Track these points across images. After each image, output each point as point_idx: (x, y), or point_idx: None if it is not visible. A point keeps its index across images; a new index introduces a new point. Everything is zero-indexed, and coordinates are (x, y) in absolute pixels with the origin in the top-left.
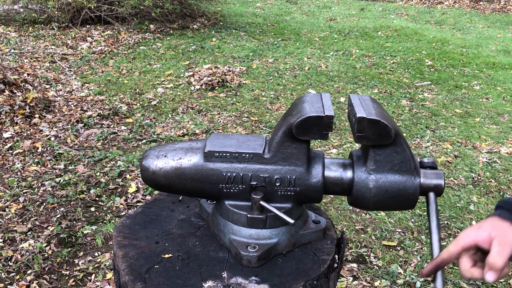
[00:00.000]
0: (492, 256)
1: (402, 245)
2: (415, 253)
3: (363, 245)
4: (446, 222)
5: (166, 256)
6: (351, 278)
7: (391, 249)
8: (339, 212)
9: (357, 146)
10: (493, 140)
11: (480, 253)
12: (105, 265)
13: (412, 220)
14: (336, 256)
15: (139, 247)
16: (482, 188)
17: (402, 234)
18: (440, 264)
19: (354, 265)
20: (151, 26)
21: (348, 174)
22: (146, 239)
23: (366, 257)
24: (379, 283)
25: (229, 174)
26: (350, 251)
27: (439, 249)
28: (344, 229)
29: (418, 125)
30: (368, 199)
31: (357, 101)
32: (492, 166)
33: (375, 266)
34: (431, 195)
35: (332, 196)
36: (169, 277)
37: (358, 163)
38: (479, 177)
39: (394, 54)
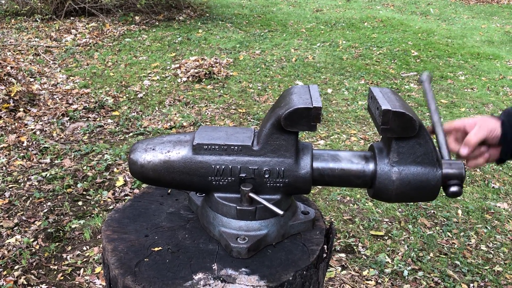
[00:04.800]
0: (469, 134)
1: (390, 235)
2: (403, 242)
3: (351, 235)
4: (432, 211)
5: (156, 249)
6: (340, 268)
7: (378, 239)
8: (327, 202)
9: (344, 137)
10: None
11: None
12: (93, 259)
13: (399, 209)
14: (325, 246)
15: (128, 241)
16: (467, 177)
17: (390, 223)
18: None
19: (343, 255)
20: (137, 17)
21: (371, 166)
22: (136, 232)
23: (354, 247)
24: (367, 272)
25: (218, 167)
26: (338, 241)
27: (440, 125)
28: (332, 219)
29: None
30: (391, 191)
31: (379, 93)
32: None
33: (363, 256)
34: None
35: (320, 187)
36: (159, 270)
37: (380, 155)
38: (465, 167)
39: (380, 45)
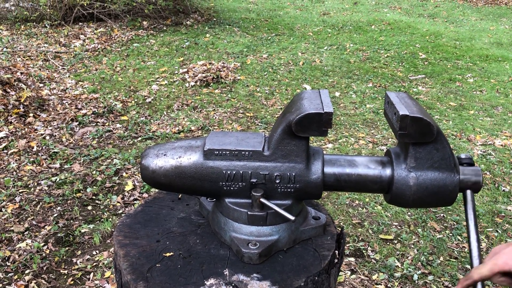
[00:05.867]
0: None
1: (399, 239)
2: (412, 246)
3: (360, 239)
4: (442, 215)
5: (168, 254)
6: (349, 272)
7: (388, 243)
8: (336, 206)
9: (352, 140)
10: (488, 132)
11: None
12: (103, 263)
13: (409, 213)
14: (337, 251)
15: (140, 246)
16: None
17: (399, 227)
18: (471, 284)
19: (352, 259)
20: (144, 23)
21: (388, 172)
22: (147, 238)
23: (364, 251)
24: (377, 277)
25: (229, 172)
26: (347, 245)
27: (478, 250)
28: (341, 223)
29: None
30: (408, 196)
31: (396, 98)
32: (487, 159)
33: (372, 260)
34: (468, 193)
35: (335, 191)
36: (171, 276)
37: (397, 160)
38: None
39: (388, 48)
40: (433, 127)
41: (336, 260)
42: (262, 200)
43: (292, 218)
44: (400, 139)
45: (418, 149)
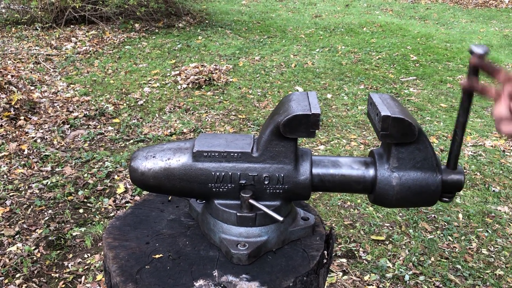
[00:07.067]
0: None
1: (391, 239)
2: (404, 247)
3: (352, 240)
4: (433, 215)
5: (157, 256)
6: (341, 273)
7: (379, 244)
8: (327, 208)
9: (344, 142)
10: (478, 133)
11: None
12: (95, 266)
13: (400, 214)
14: (325, 252)
15: (129, 248)
16: (467, 181)
17: (390, 228)
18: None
19: (344, 260)
20: (136, 25)
21: (371, 172)
22: (137, 240)
23: (355, 252)
24: (369, 278)
25: (218, 174)
26: (339, 246)
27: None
28: (333, 224)
29: None
30: (391, 196)
31: (378, 99)
32: (477, 159)
33: (364, 261)
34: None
35: (320, 192)
36: (160, 277)
37: (380, 161)
38: (465, 171)
39: (380, 50)
40: (414, 128)
41: (325, 261)
42: (251, 201)
43: (280, 219)
44: (382, 140)
45: (400, 149)
